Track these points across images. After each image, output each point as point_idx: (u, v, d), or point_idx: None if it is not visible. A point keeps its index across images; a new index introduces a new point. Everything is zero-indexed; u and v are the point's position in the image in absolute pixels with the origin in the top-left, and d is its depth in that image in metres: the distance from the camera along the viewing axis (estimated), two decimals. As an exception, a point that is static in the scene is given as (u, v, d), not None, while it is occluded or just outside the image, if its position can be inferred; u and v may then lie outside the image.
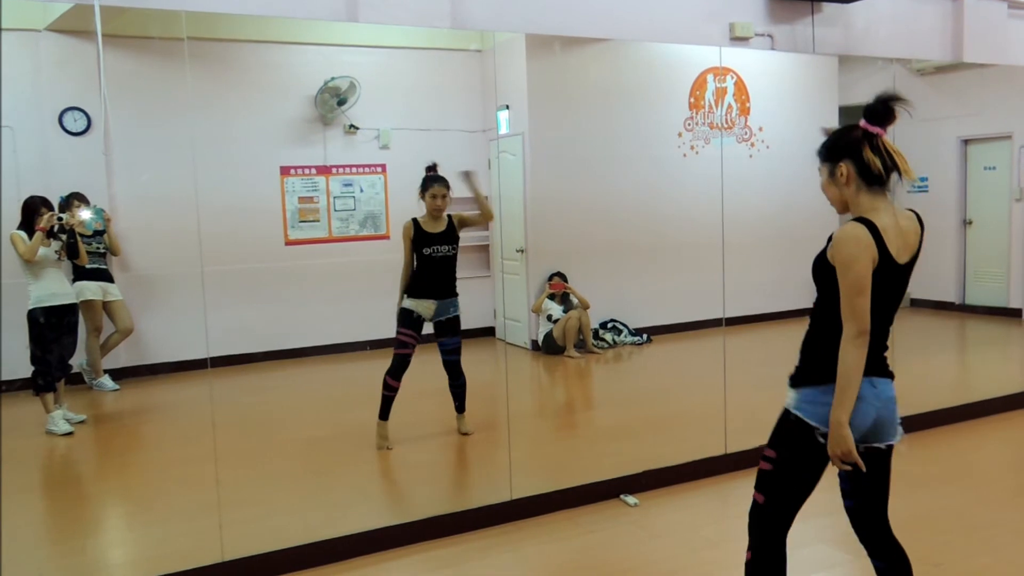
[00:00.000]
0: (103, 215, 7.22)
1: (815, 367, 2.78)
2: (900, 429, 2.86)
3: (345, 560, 4.30)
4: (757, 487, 2.91)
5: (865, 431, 2.75)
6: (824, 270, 2.76)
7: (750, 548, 2.98)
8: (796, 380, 2.83)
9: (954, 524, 4.54)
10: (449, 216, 5.92)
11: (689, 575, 4.11)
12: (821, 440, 2.73)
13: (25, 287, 6.26)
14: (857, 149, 2.72)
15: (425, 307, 5.85)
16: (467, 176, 5.93)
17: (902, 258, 2.74)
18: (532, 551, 4.42)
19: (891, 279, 2.74)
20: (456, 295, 5.96)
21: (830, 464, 2.80)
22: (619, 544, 4.43)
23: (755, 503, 2.93)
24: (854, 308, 2.64)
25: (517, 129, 8.96)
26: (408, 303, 5.86)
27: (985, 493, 4.99)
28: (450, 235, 5.88)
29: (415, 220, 5.87)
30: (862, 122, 2.73)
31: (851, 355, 2.64)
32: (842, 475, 2.91)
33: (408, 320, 5.84)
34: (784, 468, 2.84)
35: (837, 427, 2.67)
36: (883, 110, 2.71)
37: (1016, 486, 5.18)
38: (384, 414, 5.86)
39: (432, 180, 5.90)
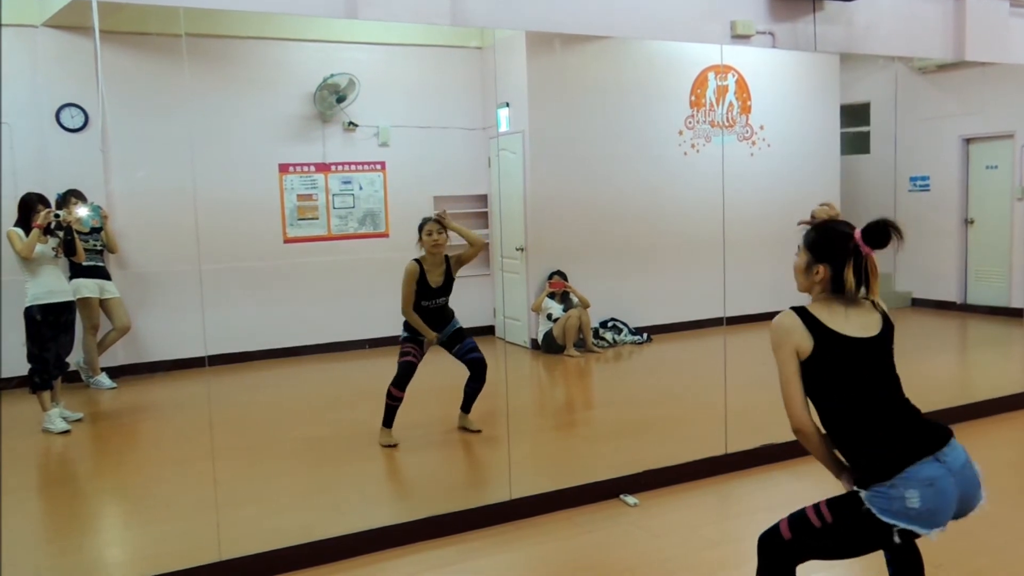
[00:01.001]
0: (100, 212, 7.18)
1: (866, 468, 2.73)
2: (982, 492, 2.85)
3: (343, 560, 4.28)
4: (792, 525, 2.80)
5: (954, 511, 2.73)
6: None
7: (760, 572, 2.90)
8: (859, 481, 2.74)
9: (954, 525, 4.50)
10: (447, 259, 5.95)
11: (690, 575, 4.08)
12: (897, 540, 2.67)
13: (22, 284, 6.23)
14: (842, 261, 2.77)
15: (426, 339, 5.94)
16: (441, 217, 5.96)
17: (860, 333, 2.78)
18: (531, 551, 4.40)
19: (854, 354, 2.76)
20: (451, 318, 6.08)
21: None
22: (619, 544, 4.41)
23: (778, 534, 2.83)
24: (786, 399, 2.76)
25: (517, 127, 8.94)
26: (409, 332, 5.95)
27: (986, 493, 4.95)
28: (447, 285, 5.97)
29: (420, 265, 5.90)
30: (857, 235, 2.77)
31: (808, 447, 2.84)
32: None
33: (414, 338, 5.93)
34: (831, 536, 2.75)
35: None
36: (882, 236, 2.74)
37: (1017, 487, 5.16)
38: (388, 422, 5.88)
39: (426, 219, 5.99)
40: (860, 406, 2.74)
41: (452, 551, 4.39)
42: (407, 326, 5.91)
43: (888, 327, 2.84)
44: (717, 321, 6.46)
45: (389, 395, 5.83)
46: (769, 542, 2.85)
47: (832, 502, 2.78)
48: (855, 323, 2.78)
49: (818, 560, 2.86)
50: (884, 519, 2.63)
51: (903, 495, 2.60)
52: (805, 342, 2.72)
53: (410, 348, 5.88)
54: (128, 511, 5.18)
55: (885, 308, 2.90)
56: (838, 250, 2.78)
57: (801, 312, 2.77)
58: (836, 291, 2.79)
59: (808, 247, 2.87)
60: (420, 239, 5.94)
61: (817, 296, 2.85)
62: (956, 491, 2.68)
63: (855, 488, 2.74)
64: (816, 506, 2.80)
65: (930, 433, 2.73)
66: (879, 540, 2.70)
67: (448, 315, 6.03)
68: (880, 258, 2.83)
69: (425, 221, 5.96)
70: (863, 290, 2.79)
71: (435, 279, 5.90)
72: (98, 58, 7.43)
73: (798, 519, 2.81)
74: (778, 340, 2.75)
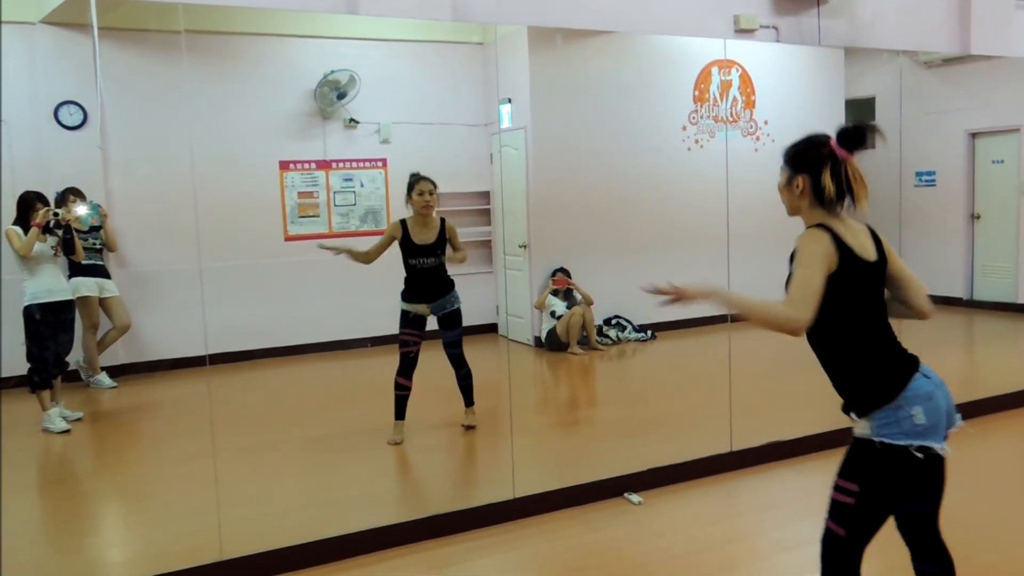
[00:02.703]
0: (99, 210, 7.16)
1: (870, 392, 2.68)
2: (958, 414, 2.81)
3: (346, 559, 4.25)
4: (834, 519, 2.73)
5: (942, 421, 2.69)
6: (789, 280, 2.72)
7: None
8: (861, 409, 2.69)
9: (960, 521, 4.46)
10: (443, 223, 5.79)
11: (695, 574, 4.04)
12: (919, 455, 2.63)
13: (21, 283, 6.21)
14: (818, 168, 2.70)
15: (421, 309, 5.82)
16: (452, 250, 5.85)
17: (865, 256, 2.71)
18: (535, 550, 4.37)
19: (865, 277, 2.70)
20: (450, 290, 5.87)
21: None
22: (623, 543, 4.37)
23: (834, 536, 2.75)
24: (802, 297, 2.56)
25: (519, 123, 8.91)
26: (404, 305, 5.82)
27: (992, 490, 4.93)
28: (439, 245, 5.76)
29: (404, 223, 5.77)
30: (832, 141, 2.71)
31: (770, 318, 2.57)
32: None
33: (408, 320, 5.82)
34: (869, 499, 2.69)
35: (710, 292, 2.77)
36: (856, 136, 2.69)
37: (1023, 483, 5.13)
38: (400, 414, 5.85)
39: (418, 178, 5.78)
40: (865, 330, 2.71)
41: (455, 550, 4.36)
42: (401, 313, 5.84)
43: (882, 255, 2.77)
44: (721, 318, 6.40)
45: (397, 385, 5.80)
46: (831, 544, 2.77)
47: (844, 472, 2.74)
48: (860, 244, 2.72)
49: (870, 535, 2.74)
50: (899, 443, 2.62)
51: (910, 413, 2.62)
52: (833, 263, 2.63)
53: (410, 336, 5.79)
54: (129, 511, 5.15)
55: (882, 238, 2.81)
56: (815, 156, 2.72)
57: (829, 230, 2.67)
58: (820, 202, 2.72)
59: (786, 161, 2.82)
60: (409, 197, 5.74)
61: (810, 213, 2.77)
62: (946, 405, 2.70)
63: (865, 436, 2.69)
64: (836, 487, 2.74)
65: (908, 354, 2.75)
66: (904, 475, 2.67)
67: (444, 285, 5.83)
68: None
69: (417, 179, 5.76)
70: (849, 201, 2.72)
71: (422, 237, 5.71)
72: (97, 55, 7.41)
73: (836, 511, 2.74)
74: (812, 246, 2.63)
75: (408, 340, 5.79)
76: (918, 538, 2.91)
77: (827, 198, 2.69)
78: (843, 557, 2.76)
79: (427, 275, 5.77)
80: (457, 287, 5.91)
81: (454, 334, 5.88)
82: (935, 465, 2.74)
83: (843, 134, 2.70)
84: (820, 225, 2.69)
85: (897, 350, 2.73)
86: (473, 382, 6.01)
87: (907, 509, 2.86)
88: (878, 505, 2.72)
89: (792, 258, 2.70)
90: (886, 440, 2.63)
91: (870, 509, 2.71)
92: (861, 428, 2.70)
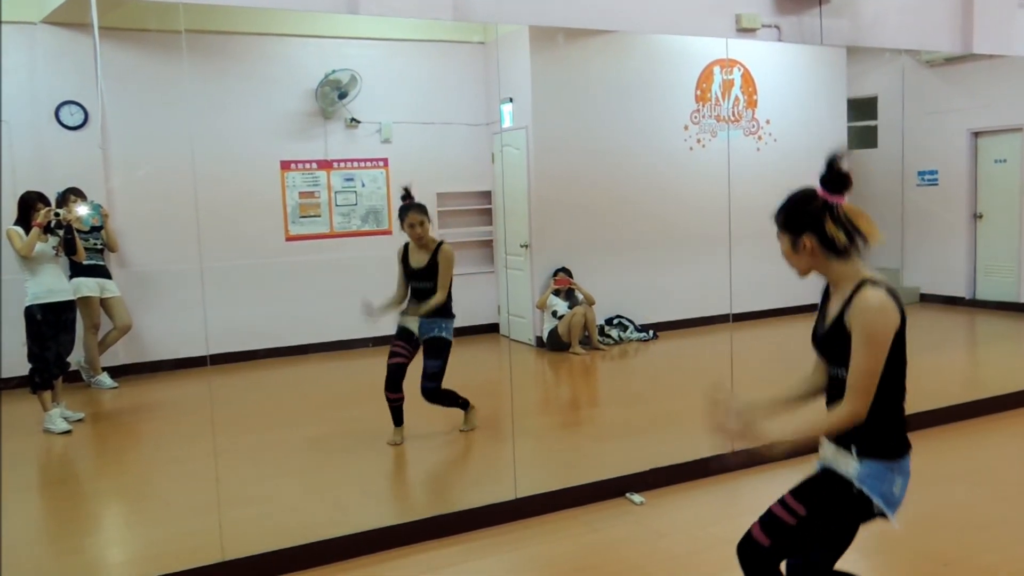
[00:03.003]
0: (100, 211, 7.16)
1: (879, 440, 2.66)
2: None
3: (348, 560, 4.24)
4: (765, 530, 2.73)
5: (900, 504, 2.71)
6: (841, 340, 2.64)
7: None
8: (864, 449, 2.66)
9: (963, 522, 4.47)
10: (440, 246, 5.74)
11: (696, 574, 4.03)
12: (879, 516, 2.66)
13: (22, 284, 6.20)
14: (819, 222, 2.65)
15: (411, 322, 5.79)
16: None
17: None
18: (537, 550, 4.36)
19: (902, 343, 2.67)
20: (442, 316, 5.77)
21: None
22: (625, 543, 4.36)
23: (755, 543, 2.74)
24: (864, 388, 2.56)
25: (521, 123, 8.90)
26: (400, 319, 5.84)
27: (994, 490, 4.92)
28: (431, 270, 5.72)
29: (405, 246, 5.82)
30: (820, 191, 2.66)
31: (830, 425, 2.61)
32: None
33: (399, 331, 5.84)
34: (811, 529, 2.70)
35: (751, 426, 2.70)
36: (839, 177, 2.64)
37: (1029, 483, 5.11)
38: (396, 421, 5.85)
39: (406, 209, 5.75)
40: (896, 381, 2.68)
41: (457, 550, 4.35)
42: (397, 326, 5.85)
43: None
44: (723, 318, 6.41)
45: (386, 398, 5.81)
46: (750, 551, 2.76)
47: (798, 493, 2.73)
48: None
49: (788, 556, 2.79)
50: (874, 498, 2.62)
51: (894, 480, 2.64)
52: (897, 322, 2.61)
53: (398, 348, 5.78)
54: (130, 511, 5.15)
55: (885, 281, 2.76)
56: (809, 213, 2.67)
57: (892, 294, 2.61)
58: (835, 252, 2.65)
59: (783, 227, 2.76)
60: (401, 226, 5.76)
61: (834, 269, 2.69)
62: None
63: (845, 475, 2.68)
64: (782, 502, 2.74)
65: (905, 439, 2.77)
66: (853, 527, 2.71)
67: (440, 309, 5.75)
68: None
69: (405, 211, 5.72)
70: (860, 241, 2.66)
71: (417, 260, 5.74)
72: (97, 55, 7.40)
73: (769, 522, 2.74)
74: (885, 323, 2.57)
75: (396, 351, 5.78)
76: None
77: (841, 247, 2.64)
78: (765, 566, 2.75)
79: (423, 295, 5.79)
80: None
81: (434, 364, 5.73)
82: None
83: (826, 181, 2.65)
84: (875, 283, 2.61)
85: (901, 428, 2.72)
86: (448, 401, 5.91)
87: (811, 557, 2.87)
88: (811, 536, 2.74)
89: (843, 317, 2.63)
90: (865, 490, 2.63)
91: (802, 536, 2.72)
92: (846, 466, 2.68)
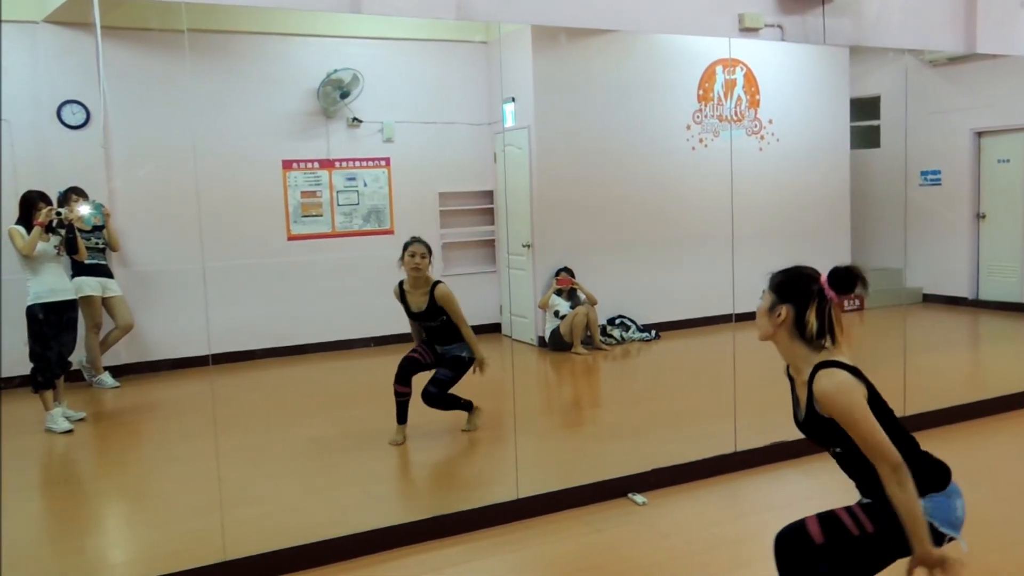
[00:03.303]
0: (102, 210, 7.16)
1: (925, 477, 2.70)
2: None
3: (349, 559, 4.23)
4: (823, 524, 2.74)
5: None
6: (823, 425, 2.73)
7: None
8: (920, 489, 2.68)
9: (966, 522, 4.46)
10: (435, 287, 5.71)
11: (699, 574, 4.02)
12: (954, 543, 2.72)
13: (24, 283, 6.19)
14: (805, 303, 2.72)
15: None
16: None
17: None
18: (539, 551, 4.35)
19: (881, 403, 2.74)
20: (461, 340, 5.80)
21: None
22: (628, 543, 4.35)
23: (807, 536, 2.75)
24: (879, 447, 2.60)
25: (523, 122, 8.89)
26: None
27: (997, 491, 4.90)
28: (431, 313, 5.72)
29: (401, 286, 5.82)
30: (823, 279, 2.72)
31: (903, 492, 2.59)
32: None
33: (427, 341, 5.93)
34: (867, 547, 2.71)
35: (927, 556, 2.62)
36: (848, 281, 2.71)
37: (1031, 483, 5.10)
38: (400, 418, 5.83)
39: (411, 241, 5.77)
40: (901, 432, 2.74)
41: (458, 551, 4.34)
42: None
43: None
44: (726, 318, 6.39)
45: (395, 391, 5.81)
46: (795, 542, 2.76)
47: (870, 510, 2.73)
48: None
49: (845, 571, 2.75)
50: (944, 531, 2.68)
51: (954, 504, 2.71)
52: (864, 392, 2.68)
53: (419, 349, 5.89)
54: (131, 511, 5.14)
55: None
56: (802, 291, 2.74)
57: (839, 365, 2.69)
58: (800, 336, 2.73)
59: (772, 288, 2.81)
60: (402, 258, 5.72)
61: (791, 347, 2.77)
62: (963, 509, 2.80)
63: None
64: (850, 511, 2.74)
65: (943, 469, 2.84)
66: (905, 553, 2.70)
67: (452, 337, 5.80)
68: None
69: (410, 241, 5.75)
70: (828, 340, 2.73)
71: (416, 302, 5.75)
72: (99, 54, 7.40)
73: (831, 521, 2.74)
74: (851, 397, 2.63)
75: (415, 350, 5.89)
76: None
77: (808, 334, 2.71)
78: (806, 565, 2.75)
79: (435, 332, 5.84)
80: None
81: (445, 374, 5.79)
82: None
83: (835, 275, 2.71)
84: (826, 365, 2.69)
85: (930, 464, 2.78)
86: (450, 405, 5.93)
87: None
88: (868, 559, 2.74)
89: (810, 398, 2.71)
90: (935, 523, 2.66)
91: (858, 555, 2.73)
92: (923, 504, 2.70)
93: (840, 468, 2.88)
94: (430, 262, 5.75)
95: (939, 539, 2.67)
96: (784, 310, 2.74)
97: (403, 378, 5.79)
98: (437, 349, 5.86)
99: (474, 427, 6.02)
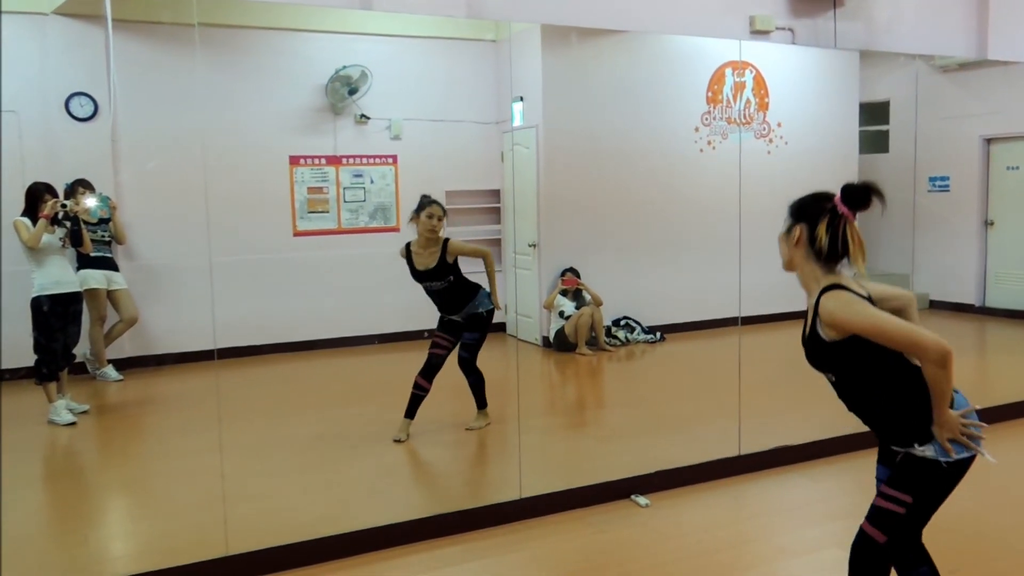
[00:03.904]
0: (108, 202, 7.15)
1: (925, 426, 2.73)
2: None
3: (352, 556, 4.23)
4: (877, 525, 2.78)
5: None
6: (829, 350, 2.74)
7: None
8: (923, 437, 2.73)
9: (971, 530, 4.44)
10: (444, 244, 5.72)
11: (703, 579, 4.02)
12: (991, 458, 2.76)
13: (29, 274, 6.19)
14: (816, 219, 2.74)
15: (450, 319, 5.85)
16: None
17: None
18: (541, 551, 4.34)
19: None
20: (474, 297, 5.83)
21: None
22: (630, 545, 4.34)
23: (871, 542, 2.79)
24: (911, 335, 2.60)
25: (531, 121, 8.87)
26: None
27: (1004, 499, 4.89)
28: (440, 271, 5.71)
29: (408, 248, 5.80)
30: (836, 197, 2.74)
31: (944, 373, 2.63)
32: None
33: (441, 323, 5.89)
34: (920, 512, 2.76)
35: (947, 422, 2.68)
36: (860, 195, 2.72)
37: (1039, 492, 5.08)
38: (410, 413, 5.83)
39: (428, 201, 5.75)
40: (905, 366, 2.75)
41: (461, 550, 4.33)
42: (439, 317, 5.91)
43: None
44: (732, 321, 6.37)
45: (416, 384, 5.82)
46: (867, 551, 2.80)
47: (898, 481, 2.77)
48: (870, 290, 2.78)
49: (909, 543, 2.85)
50: (965, 455, 2.71)
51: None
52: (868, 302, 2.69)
53: (440, 339, 5.84)
54: (134, 504, 5.14)
55: (867, 286, 2.82)
56: (816, 209, 2.75)
57: (839, 287, 2.70)
58: (815, 256, 2.74)
59: (789, 212, 2.85)
60: (416, 216, 5.71)
61: (804, 268, 2.79)
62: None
63: (921, 449, 2.73)
64: (884, 496, 2.78)
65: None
66: (952, 486, 2.76)
67: (464, 298, 5.80)
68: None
69: (428, 202, 5.72)
70: (847, 261, 2.74)
71: (424, 262, 5.72)
72: (110, 47, 7.39)
73: (882, 517, 2.77)
74: (859, 307, 2.64)
75: (437, 342, 5.85)
76: (914, 546, 2.94)
77: (818, 249, 2.71)
78: (878, 564, 2.79)
79: (441, 295, 5.82)
80: (471, 296, 5.87)
81: (472, 336, 5.85)
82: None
83: (847, 191, 2.72)
84: (836, 286, 2.71)
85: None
86: (484, 388, 6.02)
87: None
88: (925, 518, 2.78)
89: (815, 319, 2.72)
90: (954, 457, 2.69)
91: (917, 521, 2.77)
92: (924, 453, 2.73)
93: (838, 397, 2.90)
94: (444, 225, 5.75)
95: (962, 468, 2.72)
96: (799, 229, 2.77)
97: (429, 373, 5.80)
98: (450, 319, 5.82)
99: (480, 426, 6.02)
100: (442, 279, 5.71)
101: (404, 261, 5.81)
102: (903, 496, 2.74)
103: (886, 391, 2.75)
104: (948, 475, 2.71)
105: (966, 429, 2.67)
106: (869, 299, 2.71)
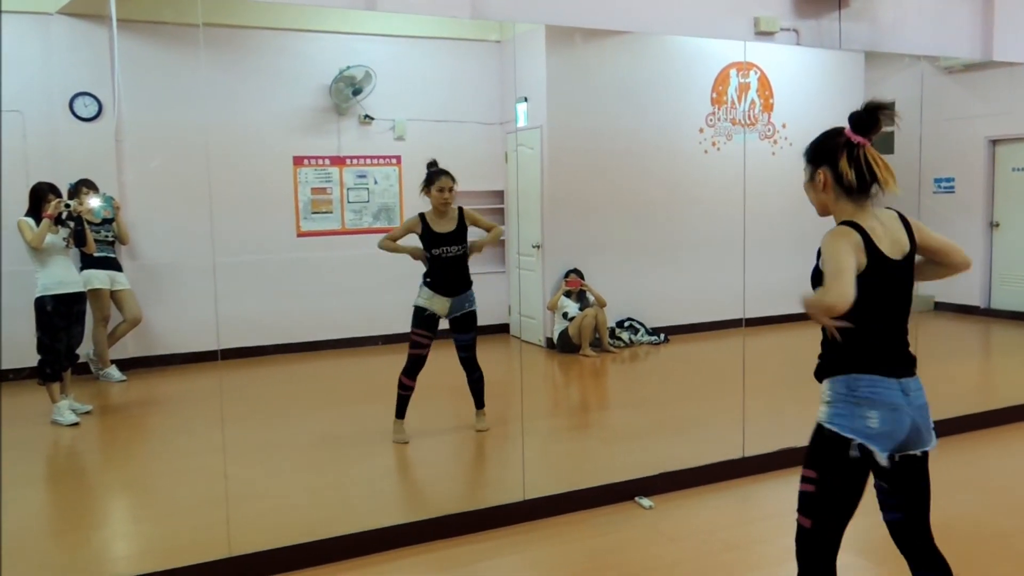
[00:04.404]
0: (112, 203, 7.14)
1: (842, 358, 2.72)
2: (934, 435, 2.79)
3: (354, 558, 4.23)
4: (801, 511, 2.79)
5: (903, 440, 2.68)
6: (814, 277, 2.75)
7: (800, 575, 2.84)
8: (825, 371, 2.76)
9: (975, 532, 4.44)
10: (460, 210, 5.79)
11: (708, 581, 4.01)
12: (855, 454, 2.67)
13: (32, 275, 6.19)
14: (835, 157, 2.71)
15: (439, 304, 5.76)
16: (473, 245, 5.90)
17: (895, 254, 2.71)
18: (545, 552, 4.34)
19: (891, 276, 2.71)
20: (470, 288, 5.87)
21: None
22: (634, 547, 4.33)
23: (801, 528, 2.80)
24: (835, 281, 2.55)
25: (535, 122, 8.87)
26: (422, 300, 5.76)
27: (1008, 501, 4.88)
28: (460, 234, 5.77)
29: (423, 216, 5.78)
30: (847, 129, 2.72)
31: (818, 298, 2.58)
32: (880, 487, 2.82)
33: (421, 319, 5.76)
34: (826, 487, 2.74)
35: (811, 302, 2.61)
36: (868, 119, 2.69)
37: (1044, 495, 5.07)
38: (400, 413, 5.82)
39: (438, 173, 5.78)
40: (877, 327, 2.72)
41: (464, 551, 4.33)
42: (415, 311, 5.80)
43: (913, 245, 2.78)
44: (736, 322, 6.36)
45: (400, 384, 5.78)
46: (800, 541, 2.81)
47: (806, 461, 2.79)
48: (890, 240, 2.72)
49: (838, 526, 2.77)
50: (844, 435, 2.66)
51: (866, 415, 2.65)
52: (861, 258, 2.64)
53: (420, 336, 5.75)
54: (137, 505, 5.14)
55: (912, 221, 2.81)
56: (831, 147, 2.74)
57: (853, 225, 2.67)
58: (848, 192, 2.71)
59: (806, 158, 2.85)
60: (427, 189, 5.76)
61: (837, 207, 2.76)
62: (909, 422, 2.68)
63: (819, 422, 2.76)
64: (801, 478, 2.80)
65: (905, 366, 2.76)
66: (855, 464, 2.69)
67: (464, 280, 5.83)
68: None
69: (437, 174, 5.76)
70: (876, 187, 2.71)
71: (444, 226, 5.75)
72: (114, 46, 7.39)
73: (801, 502, 2.79)
74: (835, 239, 2.63)
75: (419, 341, 5.75)
76: (908, 548, 2.90)
77: (847, 184, 2.68)
78: (813, 550, 2.79)
79: (451, 265, 5.76)
80: (470, 284, 5.89)
81: (468, 337, 5.85)
82: (901, 473, 2.73)
83: (854, 118, 2.71)
84: (848, 223, 2.68)
85: (895, 349, 2.74)
86: (484, 386, 5.99)
87: (885, 517, 2.87)
88: (837, 493, 2.73)
89: (819, 255, 2.70)
90: (834, 428, 2.69)
91: (830, 497, 2.73)
92: (820, 413, 2.76)
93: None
94: (455, 194, 5.81)
95: (844, 445, 2.67)
96: (822, 173, 2.75)
97: (413, 371, 5.75)
98: (430, 315, 5.76)
99: (485, 427, 6.01)
100: (460, 243, 5.74)
101: (417, 233, 5.79)
102: (810, 473, 2.75)
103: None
104: (833, 444, 2.69)
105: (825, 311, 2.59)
106: (908, 237, 2.72)
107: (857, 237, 2.64)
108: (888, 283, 2.70)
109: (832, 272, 2.56)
